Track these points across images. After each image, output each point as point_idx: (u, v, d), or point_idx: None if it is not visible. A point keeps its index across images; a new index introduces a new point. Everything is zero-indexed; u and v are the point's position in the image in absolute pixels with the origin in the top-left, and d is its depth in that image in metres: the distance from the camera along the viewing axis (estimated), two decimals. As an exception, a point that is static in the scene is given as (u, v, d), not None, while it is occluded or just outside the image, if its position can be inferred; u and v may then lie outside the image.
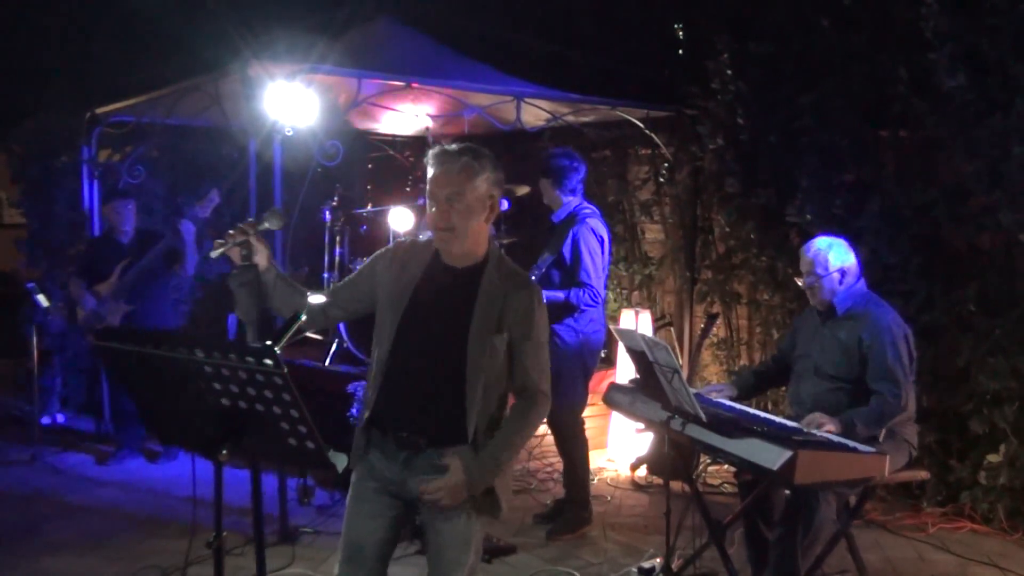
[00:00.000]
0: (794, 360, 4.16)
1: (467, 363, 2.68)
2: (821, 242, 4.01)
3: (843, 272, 3.94)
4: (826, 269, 3.92)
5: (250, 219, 2.77)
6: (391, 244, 2.93)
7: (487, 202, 2.73)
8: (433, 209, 2.71)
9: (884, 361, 3.77)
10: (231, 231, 2.73)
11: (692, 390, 3.67)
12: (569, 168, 4.97)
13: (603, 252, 4.95)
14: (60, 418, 7.35)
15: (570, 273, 4.87)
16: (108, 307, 6.00)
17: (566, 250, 4.86)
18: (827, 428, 3.64)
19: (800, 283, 4.07)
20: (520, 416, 2.77)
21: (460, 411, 2.69)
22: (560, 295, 4.83)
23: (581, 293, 4.82)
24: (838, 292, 3.94)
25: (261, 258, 2.76)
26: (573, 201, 5.00)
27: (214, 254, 2.73)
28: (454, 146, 2.74)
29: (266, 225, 2.76)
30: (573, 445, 5.00)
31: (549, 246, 4.98)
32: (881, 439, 3.78)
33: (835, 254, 3.95)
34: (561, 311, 4.85)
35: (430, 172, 2.73)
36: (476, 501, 2.71)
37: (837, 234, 4.19)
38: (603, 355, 6.24)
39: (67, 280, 6.38)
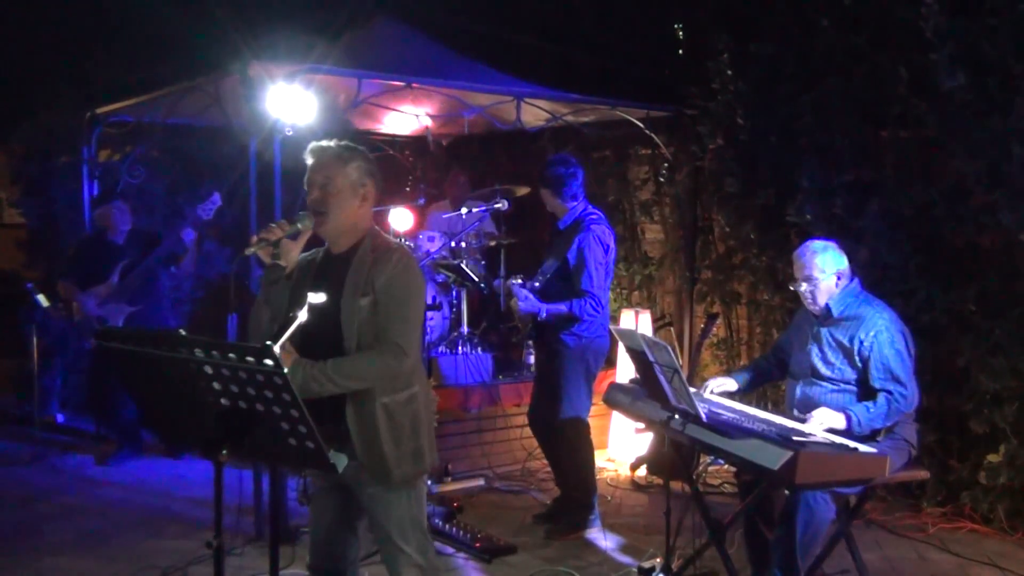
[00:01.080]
0: (790, 361, 4.16)
1: (342, 330, 2.84)
2: (815, 245, 3.99)
3: (839, 275, 3.92)
4: (823, 272, 3.90)
5: (282, 220, 2.92)
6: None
7: (359, 190, 2.96)
8: (310, 195, 2.93)
9: (887, 361, 3.76)
10: (264, 230, 2.88)
11: (693, 389, 3.67)
12: (566, 175, 4.91)
13: (607, 259, 4.92)
14: (60, 418, 7.35)
15: (572, 281, 4.83)
16: (110, 309, 6.04)
17: (571, 256, 4.83)
18: (832, 425, 3.65)
19: (794, 288, 4.03)
20: (365, 354, 2.84)
21: None
22: (563, 307, 4.80)
23: (583, 303, 4.77)
24: (835, 295, 3.93)
25: (290, 259, 2.93)
26: (578, 207, 4.96)
27: (248, 251, 2.91)
28: (331, 141, 2.99)
29: (299, 226, 2.90)
30: (579, 447, 4.99)
31: (553, 252, 4.97)
32: (880, 439, 3.78)
33: (830, 257, 3.92)
34: (565, 320, 4.84)
35: (308, 162, 2.97)
36: (366, 466, 2.84)
37: (836, 234, 4.18)
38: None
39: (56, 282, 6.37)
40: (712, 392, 4.16)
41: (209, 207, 5.93)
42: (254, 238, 2.89)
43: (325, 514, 3.04)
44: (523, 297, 4.84)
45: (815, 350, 3.96)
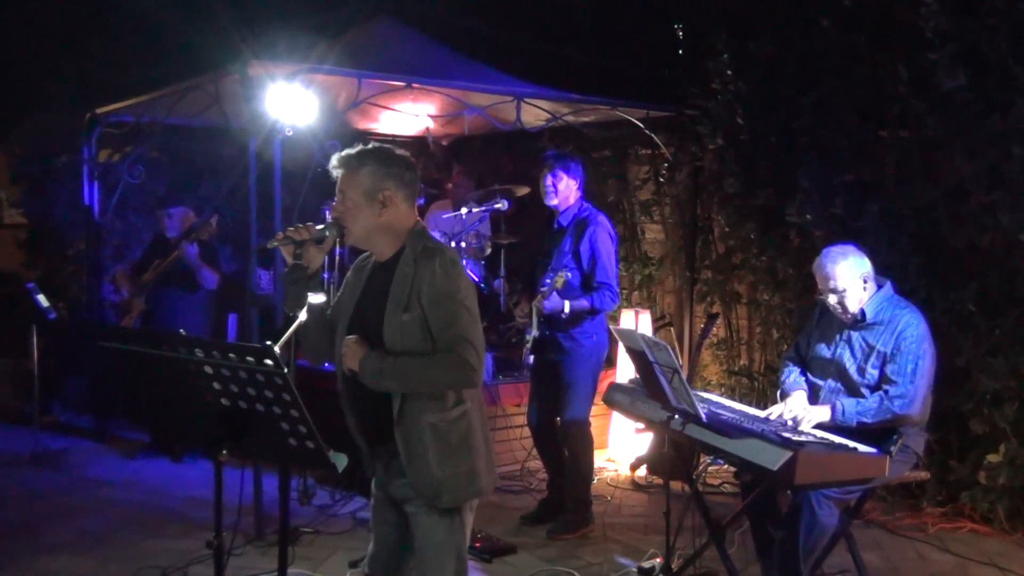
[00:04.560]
0: (811, 356, 4.04)
1: (385, 346, 2.75)
2: (833, 254, 3.84)
3: (864, 279, 3.80)
4: (848, 280, 3.78)
5: (309, 223, 2.86)
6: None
7: (377, 196, 2.79)
8: (334, 208, 2.88)
9: (902, 364, 3.69)
10: (291, 228, 2.82)
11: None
12: (582, 166, 5.01)
13: (616, 250, 4.99)
14: (60, 418, 7.35)
15: (586, 274, 4.87)
16: (135, 301, 6.31)
17: (583, 250, 4.86)
18: (818, 419, 3.63)
19: (822, 299, 3.89)
20: (433, 355, 2.73)
21: (388, 404, 2.76)
22: (585, 303, 4.81)
23: (603, 295, 4.82)
24: (867, 299, 3.82)
25: (312, 262, 2.85)
26: (580, 201, 5.01)
27: (269, 245, 2.89)
28: (353, 148, 2.86)
29: (326, 233, 2.84)
30: (584, 447, 5.01)
31: (557, 249, 4.95)
32: (894, 450, 3.71)
33: (852, 263, 3.79)
34: (580, 316, 4.85)
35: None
36: (413, 486, 2.77)
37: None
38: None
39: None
40: (809, 422, 3.77)
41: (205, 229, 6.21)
42: (280, 234, 2.83)
43: (388, 530, 2.94)
44: (548, 296, 4.80)
45: (847, 355, 3.85)
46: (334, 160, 2.85)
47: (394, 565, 2.98)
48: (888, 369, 3.73)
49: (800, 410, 3.73)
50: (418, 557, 2.85)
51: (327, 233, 2.84)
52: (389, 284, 2.79)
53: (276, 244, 2.84)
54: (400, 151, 2.90)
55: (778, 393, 4.07)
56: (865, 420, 3.67)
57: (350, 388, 2.85)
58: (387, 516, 2.93)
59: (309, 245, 2.83)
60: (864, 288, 3.81)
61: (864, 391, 3.79)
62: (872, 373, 3.79)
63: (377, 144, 2.90)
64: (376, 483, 2.95)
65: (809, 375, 4.03)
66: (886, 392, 3.69)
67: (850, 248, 3.89)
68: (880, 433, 3.68)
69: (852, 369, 3.83)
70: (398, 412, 2.74)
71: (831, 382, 3.90)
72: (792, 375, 4.05)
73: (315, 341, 2.93)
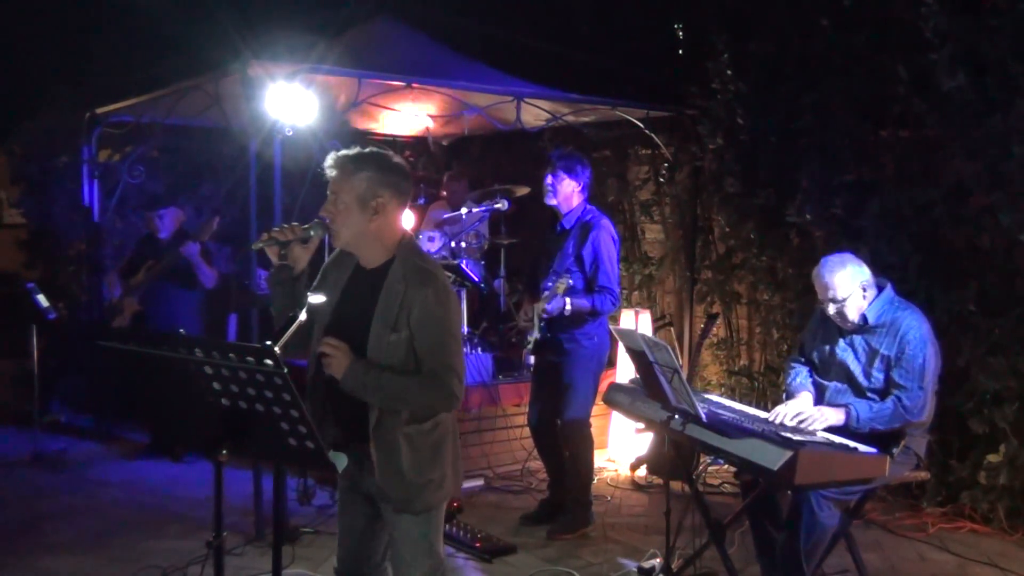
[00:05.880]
0: (815, 357, 4.03)
1: (367, 357, 2.74)
2: (831, 264, 3.83)
3: (863, 287, 3.79)
4: (847, 290, 3.77)
5: (295, 223, 2.85)
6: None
7: (370, 203, 2.77)
8: (324, 208, 2.85)
9: (909, 364, 3.69)
10: (276, 229, 2.82)
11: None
12: (589, 169, 4.99)
13: (618, 253, 4.98)
14: (60, 418, 7.35)
15: (589, 277, 4.86)
16: (127, 301, 6.32)
17: (586, 254, 4.85)
18: (831, 421, 3.63)
19: (824, 308, 3.88)
20: (417, 378, 2.74)
21: (364, 407, 2.76)
22: (586, 303, 4.80)
23: (603, 298, 4.81)
24: (866, 306, 3.81)
25: (298, 262, 2.85)
26: (583, 204, 5.00)
27: (254, 247, 2.87)
28: (351, 149, 2.84)
29: (311, 233, 2.83)
30: (584, 447, 5.01)
31: (560, 251, 4.95)
32: (896, 452, 3.70)
33: (849, 273, 3.78)
34: (579, 319, 4.84)
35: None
36: (386, 492, 2.79)
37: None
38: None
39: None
40: (822, 423, 3.74)
41: (206, 231, 6.20)
42: (264, 235, 2.82)
43: (355, 520, 2.98)
44: (551, 300, 4.78)
45: (851, 358, 3.85)
46: (330, 160, 2.82)
47: (365, 555, 3.01)
48: (894, 374, 3.72)
49: (811, 410, 3.73)
50: (393, 552, 2.90)
51: (312, 233, 2.83)
52: (375, 295, 2.78)
53: (260, 245, 2.83)
54: (398, 159, 2.89)
55: (783, 394, 4.07)
56: (878, 427, 3.67)
57: (327, 385, 2.82)
58: (357, 507, 2.96)
59: (294, 245, 2.82)
60: (863, 296, 3.80)
61: (871, 395, 3.78)
62: (877, 376, 3.78)
63: (376, 149, 2.88)
64: (344, 483, 2.97)
65: (814, 375, 4.03)
66: (898, 399, 3.67)
67: (848, 257, 3.87)
68: (882, 433, 3.69)
69: (857, 372, 3.83)
70: (375, 422, 2.75)
71: (837, 383, 3.90)
72: (799, 376, 4.04)
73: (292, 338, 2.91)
